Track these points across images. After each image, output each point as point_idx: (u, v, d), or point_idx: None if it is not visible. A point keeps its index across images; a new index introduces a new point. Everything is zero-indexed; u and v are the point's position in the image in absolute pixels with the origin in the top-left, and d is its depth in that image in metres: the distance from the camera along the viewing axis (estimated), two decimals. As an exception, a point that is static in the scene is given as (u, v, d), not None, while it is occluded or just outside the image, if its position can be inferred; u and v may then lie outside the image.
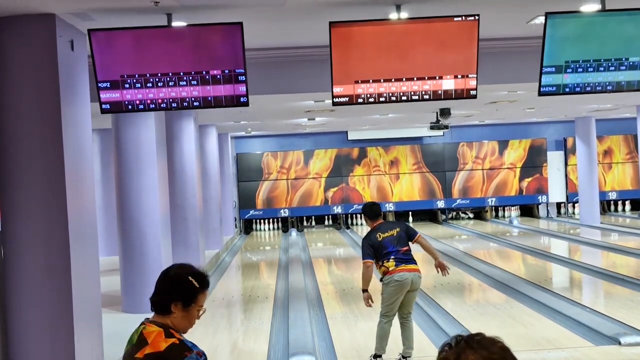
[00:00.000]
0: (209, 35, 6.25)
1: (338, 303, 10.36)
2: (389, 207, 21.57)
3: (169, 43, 6.26)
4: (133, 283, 9.13)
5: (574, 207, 22.18)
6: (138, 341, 2.84)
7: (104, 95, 6.34)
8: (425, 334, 7.99)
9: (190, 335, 3.02)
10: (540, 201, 22.27)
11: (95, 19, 6.21)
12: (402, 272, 6.71)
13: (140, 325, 2.90)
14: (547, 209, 22.51)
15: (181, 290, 2.90)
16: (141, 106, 6.39)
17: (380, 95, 6.60)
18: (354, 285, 11.23)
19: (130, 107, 6.39)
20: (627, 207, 22.68)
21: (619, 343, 7.27)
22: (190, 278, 2.91)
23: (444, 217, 22.25)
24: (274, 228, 22.22)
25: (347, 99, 6.61)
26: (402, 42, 6.41)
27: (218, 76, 6.33)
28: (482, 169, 22.14)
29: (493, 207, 22.59)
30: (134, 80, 6.31)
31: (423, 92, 6.62)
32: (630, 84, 6.59)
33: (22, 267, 6.03)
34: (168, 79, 6.32)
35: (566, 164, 22.25)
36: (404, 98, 6.62)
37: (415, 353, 6.89)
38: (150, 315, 2.97)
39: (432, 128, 15.56)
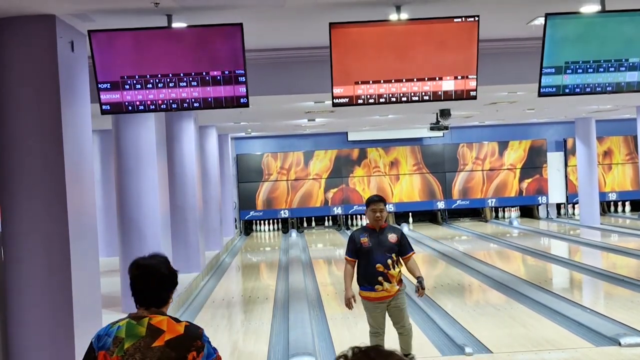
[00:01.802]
0: (209, 36, 6.26)
1: (338, 304, 10.35)
2: (389, 208, 21.56)
3: (169, 44, 6.27)
4: (133, 284, 9.13)
5: (573, 208, 22.18)
6: (150, 332, 2.96)
7: (104, 96, 6.35)
8: (425, 334, 7.99)
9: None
10: (540, 202, 22.28)
11: (95, 20, 6.22)
12: None
13: (140, 319, 3.00)
14: (547, 210, 22.51)
15: (174, 279, 3.10)
16: (141, 107, 6.40)
17: (380, 96, 6.60)
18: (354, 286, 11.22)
19: (130, 108, 6.40)
20: (627, 208, 22.68)
21: (619, 344, 7.27)
22: (171, 265, 3.12)
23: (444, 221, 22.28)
24: (274, 229, 22.22)
25: (347, 99, 6.61)
26: (402, 43, 6.41)
27: (218, 77, 6.34)
28: (482, 170, 22.14)
29: (493, 208, 22.60)
30: (134, 81, 6.32)
31: (423, 93, 6.62)
32: (630, 84, 6.59)
33: (23, 268, 6.04)
34: (168, 80, 6.33)
35: (566, 165, 22.26)
36: (404, 99, 6.62)
37: (415, 353, 6.88)
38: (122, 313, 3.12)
39: (432, 129, 15.56)
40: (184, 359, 2.94)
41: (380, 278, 6.27)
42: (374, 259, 6.26)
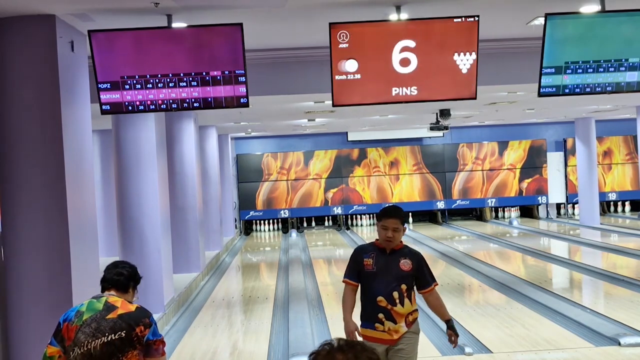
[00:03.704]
0: (209, 36, 6.26)
1: (338, 304, 10.30)
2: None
3: (169, 44, 6.26)
4: (133, 284, 9.14)
5: (573, 208, 22.19)
6: (106, 307, 3.63)
7: (104, 96, 6.35)
8: (425, 334, 7.99)
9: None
10: (540, 202, 22.28)
11: (95, 20, 6.22)
12: None
13: (99, 298, 3.69)
14: (547, 210, 22.52)
15: (138, 279, 3.91)
16: (141, 107, 6.40)
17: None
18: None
19: (130, 108, 6.39)
20: (627, 208, 22.70)
21: (619, 344, 7.27)
22: (136, 270, 3.95)
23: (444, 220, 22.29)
24: (274, 229, 22.23)
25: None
26: (401, 43, 6.40)
27: (218, 77, 6.34)
28: (482, 170, 22.15)
29: (493, 208, 22.60)
30: (134, 81, 6.32)
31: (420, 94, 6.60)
32: (630, 85, 6.59)
33: (23, 268, 6.04)
34: (168, 80, 6.33)
35: (566, 165, 22.26)
36: (403, 99, 6.60)
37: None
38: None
39: (432, 129, 15.57)
40: (133, 330, 3.57)
41: (380, 315, 4.72)
42: (376, 288, 4.73)
